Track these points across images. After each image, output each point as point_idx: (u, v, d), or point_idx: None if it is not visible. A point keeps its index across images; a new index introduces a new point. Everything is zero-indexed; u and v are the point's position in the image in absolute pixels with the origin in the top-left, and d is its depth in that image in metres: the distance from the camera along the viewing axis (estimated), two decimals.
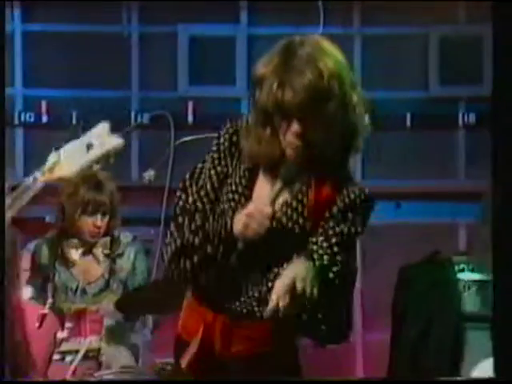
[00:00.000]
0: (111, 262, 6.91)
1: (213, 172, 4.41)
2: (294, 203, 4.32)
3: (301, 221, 4.34)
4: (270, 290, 4.28)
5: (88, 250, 6.93)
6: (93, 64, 8.34)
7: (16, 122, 8.42)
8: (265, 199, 4.28)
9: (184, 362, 4.42)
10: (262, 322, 4.33)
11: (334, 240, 4.31)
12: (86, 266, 6.92)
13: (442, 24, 8.31)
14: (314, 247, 4.34)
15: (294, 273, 4.23)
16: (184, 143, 6.64)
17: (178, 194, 4.38)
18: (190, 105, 8.14)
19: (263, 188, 4.36)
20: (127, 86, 8.39)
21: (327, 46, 4.27)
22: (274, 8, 8.39)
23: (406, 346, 5.89)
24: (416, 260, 6.00)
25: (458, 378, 4.95)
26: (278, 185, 4.27)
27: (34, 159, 7.97)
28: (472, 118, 8.22)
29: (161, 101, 8.12)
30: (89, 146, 4.40)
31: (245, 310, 4.40)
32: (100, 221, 6.79)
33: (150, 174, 6.85)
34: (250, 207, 4.23)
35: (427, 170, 8.23)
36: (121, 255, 6.91)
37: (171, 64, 8.40)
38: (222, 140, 4.41)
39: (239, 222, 4.24)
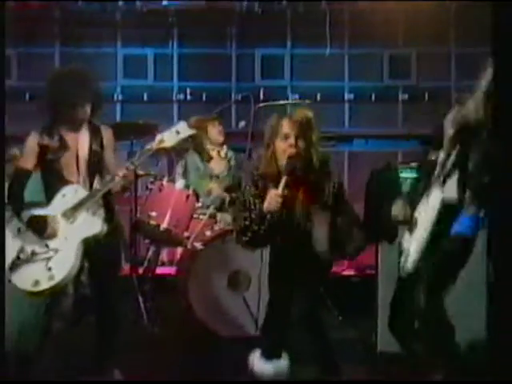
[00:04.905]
0: (228, 161, 6.68)
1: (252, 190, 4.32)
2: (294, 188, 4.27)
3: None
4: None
5: (217, 154, 6.67)
6: (213, 68, 8.25)
7: (173, 100, 8.19)
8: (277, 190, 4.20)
9: None
10: None
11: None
12: (216, 162, 6.67)
13: (389, 47, 8.28)
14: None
15: None
16: (259, 108, 6.59)
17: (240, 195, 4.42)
18: (262, 90, 8.01)
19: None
20: (229, 80, 8.26)
21: (307, 110, 4.35)
22: (306, 37, 8.22)
23: (373, 212, 5.72)
24: (377, 168, 5.96)
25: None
26: (283, 179, 4.20)
27: (184, 117, 7.98)
28: (405, 96, 8.18)
29: (246, 88, 7.97)
30: (177, 132, 4.40)
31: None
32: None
33: (241, 124, 6.57)
34: (270, 193, 4.21)
35: (382, 123, 8.16)
36: (232, 158, 6.65)
37: (251, 67, 8.28)
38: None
39: (266, 203, 4.20)
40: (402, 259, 4.36)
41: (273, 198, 4.21)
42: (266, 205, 4.24)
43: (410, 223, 4.37)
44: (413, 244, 4.30)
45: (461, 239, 4.16)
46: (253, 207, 4.30)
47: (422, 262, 4.21)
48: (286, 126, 4.27)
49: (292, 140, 4.25)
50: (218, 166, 6.68)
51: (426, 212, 4.27)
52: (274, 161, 4.30)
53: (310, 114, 4.32)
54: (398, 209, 4.49)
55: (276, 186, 4.26)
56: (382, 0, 7.98)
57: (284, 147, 4.26)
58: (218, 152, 6.70)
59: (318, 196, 4.28)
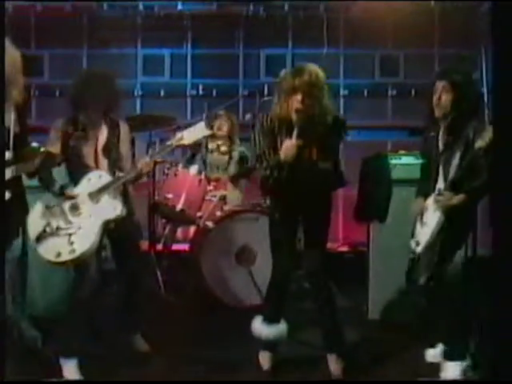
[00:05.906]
0: (229, 154, 6.57)
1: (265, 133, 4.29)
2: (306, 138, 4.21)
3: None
4: None
5: (219, 149, 6.55)
6: (223, 67, 8.12)
7: (187, 95, 8.08)
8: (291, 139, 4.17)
9: None
10: None
11: None
12: (218, 156, 6.56)
13: (380, 49, 8.16)
14: None
15: None
16: (264, 101, 6.51)
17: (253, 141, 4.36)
18: (266, 86, 7.79)
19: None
20: (237, 77, 8.14)
21: (317, 68, 4.24)
22: (305, 39, 8.07)
23: (366, 194, 5.68)
24: (369, 155, 5.92)
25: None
26: (296, 130, 4.17)
27: (197, 110, 7.96)
28: (394, 92, 8.09)
29: (252, 84, 7.95)
30: (196, 132, 4.32)
31: None
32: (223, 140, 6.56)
33: (247, 116, 6.50)
34: (285, 143, 4.16)
35: (374, 115, 8.11)
36: (234, 151, 6.55)
37: (257, 65, 8.14)
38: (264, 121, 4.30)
39: (283, 153, 4.15)
40: (413, 244, 4.34)
41: (288, 147, 4.14)
42: (282, 155, 4.17)
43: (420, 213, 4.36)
44: (423, 236, 4.26)
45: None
46: (269, 157, 4.25)
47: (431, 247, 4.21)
48: (295, 82, 4.14)
49: (299, 96, 4.14)
50: (216, 159, 6.61)
51: (433, 213, 4.22)
52: (287, 107, 4.21)
53: (319, 72, 4.21)
54: (417, 205, 4.45)
55: (289, 134, 4.21)
56: (375, 0, 7.92)
57: (293, 101, 4.17)
58: (218, 146, 6.60)
59: (328, 148, 4.25)
